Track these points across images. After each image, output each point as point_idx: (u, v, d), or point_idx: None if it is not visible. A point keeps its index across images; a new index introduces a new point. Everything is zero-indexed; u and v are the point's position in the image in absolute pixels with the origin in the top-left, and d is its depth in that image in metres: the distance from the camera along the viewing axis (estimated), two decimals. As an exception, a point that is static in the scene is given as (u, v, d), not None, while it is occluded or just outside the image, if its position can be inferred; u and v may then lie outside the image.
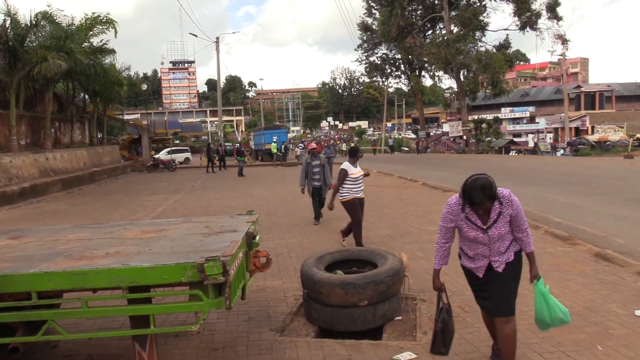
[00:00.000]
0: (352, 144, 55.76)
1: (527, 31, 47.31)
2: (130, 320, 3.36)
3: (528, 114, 64.88)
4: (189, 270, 3.06)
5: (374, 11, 57.73)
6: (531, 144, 49.52)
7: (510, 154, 46.81)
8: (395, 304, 5.21)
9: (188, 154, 43.92)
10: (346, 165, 8.52)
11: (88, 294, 3.68)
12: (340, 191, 8.56)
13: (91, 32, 25.41)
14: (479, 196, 3.28)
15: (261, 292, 6.23)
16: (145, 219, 12.75)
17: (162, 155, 38.53)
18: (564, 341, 4.46)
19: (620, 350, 4.24)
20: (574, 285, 6.03)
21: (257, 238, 4.52)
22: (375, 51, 61.53)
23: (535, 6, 45.96)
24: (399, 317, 5.22)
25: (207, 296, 3.12)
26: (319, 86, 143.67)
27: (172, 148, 46.03)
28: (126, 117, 53.87)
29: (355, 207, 8.43)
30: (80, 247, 3.84)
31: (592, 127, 49.30)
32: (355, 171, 8.49)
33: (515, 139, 55.28)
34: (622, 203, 12.30)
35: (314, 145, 11.99)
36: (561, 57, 46.74)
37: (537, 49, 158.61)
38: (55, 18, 22.34)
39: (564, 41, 45.82)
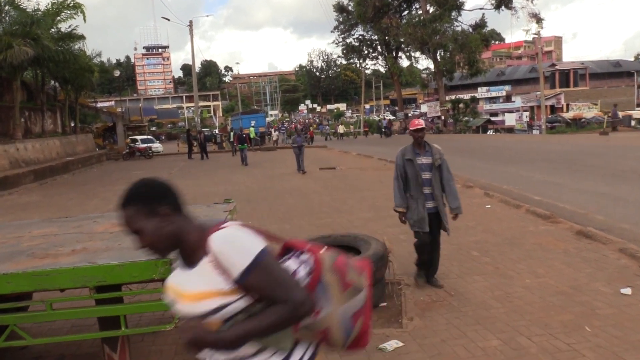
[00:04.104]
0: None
1: (502, 10, 47.38)
2: (99, 322, 3.14)
3: (504, 93, 65.20)
4: (160, 266, 2.86)
5: (349, -8, 57.12)
6: (510, 123, 49.80)
7: (488, 133, 47.14)
8: (380, 290, 5.09)
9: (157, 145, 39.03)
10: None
11: (56, 294, 3.46)
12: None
13: (59, 18, 24.57)
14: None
15: (242, 282, 6.05)
16: (121, 209, 12.44)
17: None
18: (551, 323, 4.39)
19: (608, 330, 4.18)
20: (557, 264, 5.98)
21: (235, 228, 4.32)
22: (352, 33, 61.04)
23: (510, -16, 45.99)
24: (384, 304, 5.11)
25: (182, 294, 2.93)
26: (296, 69, 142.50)
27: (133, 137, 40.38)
28: (100, 104, 52.66)
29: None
30: (46, 243, 3.60)
31: (567, 105, 49.84)
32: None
33: (492, 118, 55.67)
34: (599, 179, 12.38)
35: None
36: (536, 36, 46.92)
37: (512, 28, 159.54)
38: (20, 4, 21.50)
39: (539, 20, 46.03)
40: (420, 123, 5.53)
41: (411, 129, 5.51)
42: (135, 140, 36.31)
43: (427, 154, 5.44)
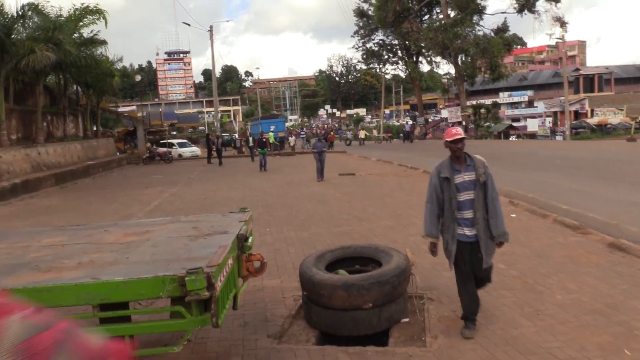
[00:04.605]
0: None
1: (525, 14, 46.61)
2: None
3: (526, 98, 64.30)
4: (168, 284, 2.66)
5: (369, -4, 56.92)
6: (533, 129, 48.88)
7: (510, 138, 46.38)
8: (402, 305, 4.84)
9: (194, 149, 40.19)
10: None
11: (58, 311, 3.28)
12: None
13: (81, 23, 24.80)
14: None
15: (258, 293, 5.85)
16: (139, 214, 12.39)
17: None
18: (587, 345, 4.08)
19: (650, 354, 3.86)
20: (590, 279, 5.65)
21: (250, 240, 4.12)
22: (372, 37, 60.80)
23: (533, -12, 45.27)
24: (406, 319, 4.85)
25: (190, 313, 2.73)
26: (316, 74, 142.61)
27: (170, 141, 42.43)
28: (121, 109, 53.19)
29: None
30: (52, 255, 3.43)
31: (592, 110, 48.79)
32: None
33: (514, 124, 54.80)
34: (630, 188, 11.92)
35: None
36: (560, 40, 46.07)
37: (535, 32, 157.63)
38: (42, 9, 21.74)
39: (563, 23, 45.15)
40: (459, 132, 4.45)
41: (447, 139, 4.40)
42: (172, 144, 37.59)
43: (469, 168, 4.40)
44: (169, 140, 40.02)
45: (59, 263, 3.19)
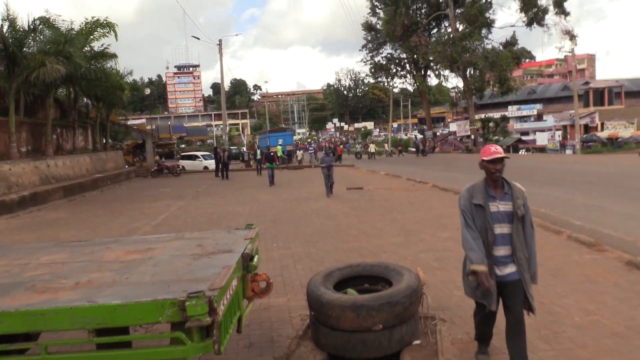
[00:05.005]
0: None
1: (534, 27, 46.53)
2: (100, 369, 2.79)
3: (535, 112, 63.94)
4: (167, 308, 2.51)
5: (378, 10, 57.09)
6: (542, 142, 48.55)
7: (519, 152, 46.07)
8: (413, 326, 4.64)
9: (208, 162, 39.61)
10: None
11: (54, 335, 3.14)
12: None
13: (91, 37, 24.98)
14: None
15: (264, 312, 5.68)
16: (145, 228, 12.28)
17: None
18: (609, 371, 3.88)
19: (678, 383, 3.65)
20: (609, 299, 5.44)
21: (256, 259, 3.96)
22: (380, 51, 60.84)
23: (542, 1, 45.24)
24: (418, 342, 4.65)
25: (191, 339, 2.57)
26: (324, 88, 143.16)
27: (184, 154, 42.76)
28: (131, 122, 53.50)
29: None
30: (50, 274, 3.30)
31: (602, 124, 48.42)
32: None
33: (523, 137, 54.48)
34: (645, 203, 11.66)
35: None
36: (569, 54, 45.87)
37: (543, 45, 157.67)
38: (54, 23, 21.95)
39: (572, 37, 44.99)
40: (498, 150, 3.68)
41: (485, 158, 3.67)
42: (196, 157, 38.92)
43: (506, 197, 3.72)
44: (194, 153, 41.19)
45: (56, 283, 3.06)
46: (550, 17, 45.44)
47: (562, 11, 44.71)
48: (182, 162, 38.76)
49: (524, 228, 3.72)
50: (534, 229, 3.84)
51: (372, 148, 48.91)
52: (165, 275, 3.08)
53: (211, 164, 37.23)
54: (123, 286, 2.89)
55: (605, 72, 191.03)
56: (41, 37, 21.21)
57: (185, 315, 2.48)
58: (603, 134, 44.39)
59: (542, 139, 50.26)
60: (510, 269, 3.69)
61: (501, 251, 3.69)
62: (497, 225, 3.66)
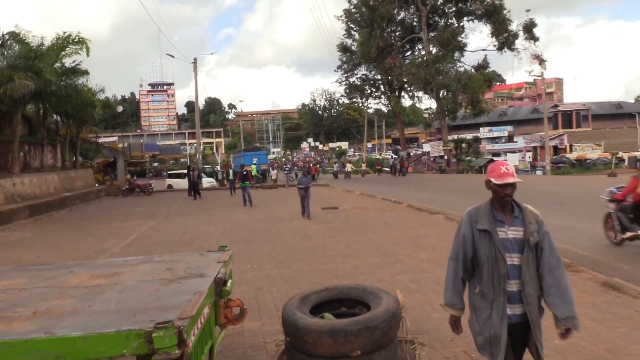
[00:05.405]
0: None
1: (505, 51, 47.85)
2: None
3: (506, 133, 65.31)
4: (133, 340, 2.32)
5: (353, 32, 58.01)
6: (513, 163, 49.41)
7: (491, 173, 46.65)
8: (393, 351, 4.48)
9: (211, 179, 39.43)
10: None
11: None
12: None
13: (63, 52, 24.56)
14: None
15: (237, 337, 5.46)
16: (114, 249, 11.90)
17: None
18: (592, 397, 3.79)
19: (661, 409, 3.58)
20: (587, 321, 5.39)
21: (230, 283, 3.77)
22: (355, 72, 61.66)
23: (512, 27, 46.66)
24: (397, 368, 4.50)
25: (159, 373, 2.38)
26: (299, 107, 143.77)
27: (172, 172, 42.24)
28: (103, 139, 52.66)
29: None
30: (5, 301, 3.06)
31: (570, 146, 49.64)
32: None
33: (495, 158, 55.38)
34: (616, 224, 11.81)
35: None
36: (539, 77, 47.16)
37: (514, 69, 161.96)
38: (24, 38, 21.51)
39: (541, 61, 46.35)
40: (509, 172, 3.11)
41: (496, 182, 3.07)
42: (190, 175, 36.82)
43: (517, 222, 3.12)
44: (182, 171, 40.03)
45: (11, 311, 2.83)
46: (520, 42, 46.94)
47: (531, 37, 46.19)
48: (170, 181, 38.25)
49: (539, 258, 3.09)
50: (559, 260, 3.14)
51: (348, 167, 49.13)
52: (132, 303, 2.87)
53: (205, 182, 36.74)
54: (85, 315, 2.68)
55: (573, 96, 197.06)
56: (10, 52, 20.75)
57: (152, 347, 2.29)
58: (572, 156, 45.46)
59: (513, 160, 51.08)
60: (520, 309, 3.09)
61: (513, 286, 3.08)
62: (507, 255, 3.07)
